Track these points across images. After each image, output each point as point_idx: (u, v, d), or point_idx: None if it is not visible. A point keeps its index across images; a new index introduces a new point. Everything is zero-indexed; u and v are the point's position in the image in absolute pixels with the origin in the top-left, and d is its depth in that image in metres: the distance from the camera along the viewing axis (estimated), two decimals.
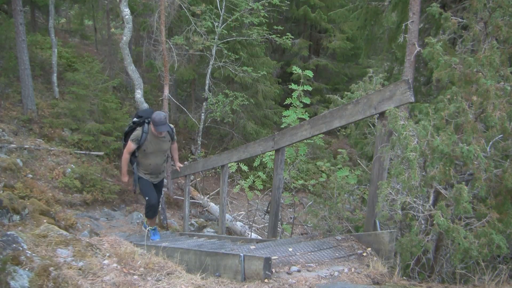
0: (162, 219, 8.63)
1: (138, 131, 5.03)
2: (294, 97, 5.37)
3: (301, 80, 5.44)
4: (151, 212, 5.43)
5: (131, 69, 8.36)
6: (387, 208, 2.54)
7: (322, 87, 16.16)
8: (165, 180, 6.14)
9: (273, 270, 2.42)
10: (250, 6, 10.96)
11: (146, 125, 5.02)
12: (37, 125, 10.60)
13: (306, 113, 5.41)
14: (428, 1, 6.97)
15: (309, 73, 5.54)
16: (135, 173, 5.31)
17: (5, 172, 7.84)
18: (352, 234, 2.94)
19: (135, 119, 5.21)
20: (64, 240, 2.30)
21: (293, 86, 5.38)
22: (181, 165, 5.85)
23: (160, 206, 5.50)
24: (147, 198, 5.32)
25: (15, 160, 8.49)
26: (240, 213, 9.97)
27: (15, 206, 4.59)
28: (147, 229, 5.67)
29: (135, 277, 2.21)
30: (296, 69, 5.54)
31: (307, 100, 5.51)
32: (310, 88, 5.55)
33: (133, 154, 5.23)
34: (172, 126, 5.32)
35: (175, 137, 5.50)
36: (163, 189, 9.26)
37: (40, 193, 7.79)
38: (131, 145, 5.05)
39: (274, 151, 4.19)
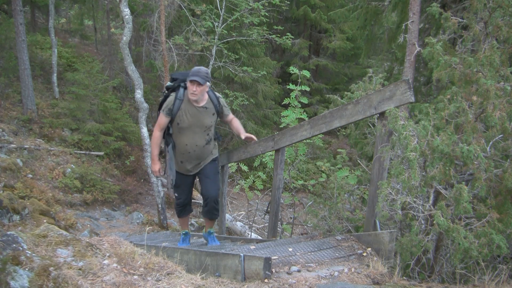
0: (162, 219, 8.63)
1: (171, 98, 3.85)
2: (292, 98, 5.37)
3: (299, 80, 5.44)
4: (182, 211, 4.32)
5: (131, 69, 8.36)
6: (387, 208, 2.54)
7: (322, 87, 16.16)
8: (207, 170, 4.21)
9: (273, 270, 2.42)
10: (250, 6, 10.96)
11: (181, 89, 3.84)
12: (37, 125, 10.61)
13: (305, 113, 5.42)
14: (428, 1, 6.97)
15: (306, 73, 5.55)
16: (171, 158, 4.00)
17: (5, 172, 7.84)
18: (352, 234, 2.94)
19: (168, 83, 4.06)
20: (64, 240, 2.30)
21: (290, 86, 5.38)
22: (253, 137, 4.17)
23: (216, 204, 4.07)
24: (176, 195, 4.21)
25: (15, 160, 8.49)
26: (240, 213, 9.98)
27: (15, 206, 4.59)
28: (180, 233, 4.57)
29: (135, 277, 2.21)
30: (293, 69, 5.54)
31: (305, 100, 5.51)
32: (308, 88, 5.55)
33: (167, 132, 3.99)
34: (218, 95, 4.01)
35: (228, 111, 4.10)
36: (163, 189, 9.30)
37: (40, 193, 7.79)
38: (162, 118, 3.86)
39: (274, 151, 4.19)
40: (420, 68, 8.14)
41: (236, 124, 4.17)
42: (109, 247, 2.49)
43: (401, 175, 2.38)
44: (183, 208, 4.30)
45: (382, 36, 10.00)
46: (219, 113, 4.00)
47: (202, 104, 3.81)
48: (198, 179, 4.24)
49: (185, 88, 3.80)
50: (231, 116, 4.15)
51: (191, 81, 3.64)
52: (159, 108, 3.99)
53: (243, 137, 4.07)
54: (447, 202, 2.35)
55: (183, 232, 4.48)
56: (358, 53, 15.54)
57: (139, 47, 15.04)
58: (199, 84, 3.65)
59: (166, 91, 4.02)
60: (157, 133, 3.95)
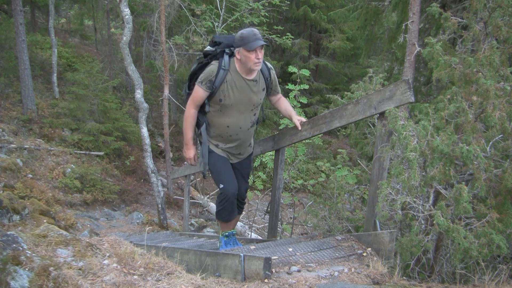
0: (162, 219, 8.63)
1: (212, 67, 3.05)
2: (291, 97, 5.38)
3: (298, 80, 5.44)
4: (226, 209, 3.28)
5: (131, 69, 8.36)
6: (387, 208, 2.54)
7: (322, 87, 16.17)
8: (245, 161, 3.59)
9: (273, 270, 2.42)
10: (250, 6, 10.97)
11: (226, 57, 3.06)
12: (37, 125, 10.61)
13: (303, 113, 5.42)
14: (428, 1, 6.97)
15: (306, 72, 5.54)
16: (204, 142, 3.25)
17: (5, 172, 7.84)
18: (352, 234, 2.94)
19: (208, 48, 3.19)
20: (64, 240, 2.30)
21: (290, 86, 5.39)
22: (303, 119, 3.46)
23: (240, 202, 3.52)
24: (221, 185, 3.23)
25: (15, 160, 8.50)
26: None
27: (15, 206, 4.59)
28: (220, 234, 3.53)
29: (135, 277, 2.21)
30: (292, 68, 5.54)
31: (304, 100, 5.51)
32: (306, 87, 5.54)
33: (201, 110, 3.22)
34: (270, 65, 3.26)
35: (278, 87, 3.39)
36: (163, 189, 9.30)
37: (40, 193, 7.80)
38: (199, 92, 3.07)
39: (274, 151, 4.19)
40: (420, 68, 8.14)
41: (286, 104, 3.48)
42: (109, 247, 2.49)
43: (401, 175, 2.38)
44: (232, 205, 3.26)
45: (382, 36, 10.00)
46: (269, 89, 3.29)
47: (252, 76, 3.08)
48: None
49: (231, 55, 3.09)
50: (280, 95, 3.46)
51: (256, 48, 2.90)
52: (190, 79, 3.26)
53: (295, 121, 3.39)
54: (447, 202, 2.35)
55: (225, 234, 3.45)
56: (358, 53, 15.55)
57: (139, 47, 15.05)
58: (262, 47, 2.95)
59: (203, 57, 3.22)
60: (192, 111, 3.19)
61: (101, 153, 10.65)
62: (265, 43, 2.96)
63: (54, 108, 11.48)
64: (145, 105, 8.58)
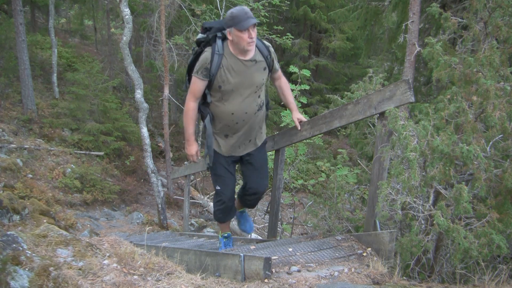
0: (162, 219, 8.63)
1: (206, 54, 2.93)
2: None
3: (299, 80, 5.44)
4: (221, 211, 3.28)
5: (131, 69, 8.36)
6: (387, 208, 2.54)
7: (322, 87, 16.17)
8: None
9: (273, 270, 2.42)
10: (250, 6, 10.96)
11: (219, 41, 2.92)
12: (37, 125, 10.62)
13: (303, 113, 5.42)
14: (428, 1, 6.97)
15: (306, 72, 5.55)
16: (209, 135, 3.12)
17: (5, 172, 7.84)
18: (352, 234, 2.94)
19: (199, 36, 3.06)
20: (64, 240, 2.30)
21: (290, 86, 5.39)
22: (303, 119, 3.38)
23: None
24: (217, 188, 3.20)
25: (15, 160, 8.50)
26: None
27: (15, 206, 4.59)
28: (220, 235, 3.56)
29: (135, 277, 2.21)
30: (293, 68, 5.54)
31: (304, 100, 5.52)
32: (307, 87, 5.54)
33: (204, 102, 3.08)
34: (268, 43, 3.10)
35: (278, 64, 3.22)
36: (163, 189, 9.30)
37: (40, 193, 7.80)
38: (196, 83, 2.95)
39: (274, 151, 4.19)
40: (420, 68, 8.14)
41: (287, 92, 3.31)
42: (109, 247, 2.49)
43: (401, 175, 2.38)
44: (227, 208, 3.24)
45: (382, 36, 10.00)
46: (270, 67, 3.11)
47: (249, 56, 2.92)
48: (240, 166, 3.40)
49: (223, 39, 2.93)
50: (280, 72, 3.26)
51: (248, 27, 2.74)
52: (189, 71, 3.12)
53: (295, 120, 3.25)
54: (447, 202, 2.35)
55: (225, 235, 3.49)
56: (358, 53, 15.55)
57: (139, 47, 15.05)
58: (254, 26, 2.80)
59: (197, 47, 3.09)
60: (192, 104, 3.03)
61: (101, 153, 10.65)
62: (257, 21, 2.80)
63: (54, 108, 11.49)
64: (145, 105, 8.59)
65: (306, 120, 3.32)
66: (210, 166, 3.17)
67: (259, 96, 3.06)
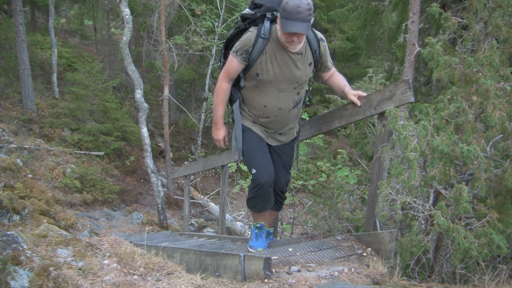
0: (162, 219, 8.63)
1: (249, 34, 2.57)
2: None
3: None
4: (257, 197, 2.79)
5: (131, 69, 8.36)
6: (387, 208, 2.54)
7: (322, 87, 16.15)
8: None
9: (273, 270, 2.42)
10: None
11: (267, 23, 2.56)
12: (37, 125, 10.62)
13: (306, 113, 5.42)
14: (428, 1, 6.97)
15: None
16: (237, 122, 2.78)
17: (5, 172, 7.84)
18: (352, 234, 2.94)
19: (246, 11, 2.71)
20: (64, 240, 2.30)
21: None
22: (360, 93, 2.81)
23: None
24: (253, 171, 2.72)
25: (15, 160, 8.50)
26: (240, 213, 9.97)
27: (15, 206, 4.59)
28: (252, 225, 3.09)
29: (135, 277, 2.21)
30: None
31: None
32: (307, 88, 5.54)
33: (236, 84, 2.76)
34: (321, 35, 2.72)
35: (331, 62, 2.88)
36: (163, 189, 9.30)
37: (40, 193, 7.80)
38: (233, 63, 2.61)
39: None
40: (420, 68, 8.14)
41: (339, 79, 2.89)
42: (109, 247, 2.49)
43: (401, 175, 2.38)
44: (263, 193, 2.74)
45: (382, 36, 10.00)
46: (317, 63, 2.75)
47: (297, 48, 2.56)
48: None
49: (273, 21, 2.56)
50: (333, 69, 2.89)
51: (289, 32, 2.38)
52: (226, 47, 2.79)
53: (351, 97, 2.79)
54: (447, 202, 2.35)
55: (257, 225, 2.99)
56: (358, 53, 15.54)
57: (139, 47, 15.05)
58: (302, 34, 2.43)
59: (241, 22, 2.72)
60: (224, 85, 2.70)
61: (101, 153, 10.65)
62: (303, 32, 2.38)
63: (54, 108, 11.49)
64: (145, 105, 8.59)
65: (364, 94, 2.80)
66: (240, 156, 2.80)
67: (298, 93, 2.75)
